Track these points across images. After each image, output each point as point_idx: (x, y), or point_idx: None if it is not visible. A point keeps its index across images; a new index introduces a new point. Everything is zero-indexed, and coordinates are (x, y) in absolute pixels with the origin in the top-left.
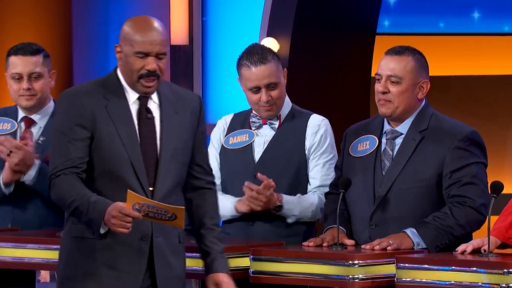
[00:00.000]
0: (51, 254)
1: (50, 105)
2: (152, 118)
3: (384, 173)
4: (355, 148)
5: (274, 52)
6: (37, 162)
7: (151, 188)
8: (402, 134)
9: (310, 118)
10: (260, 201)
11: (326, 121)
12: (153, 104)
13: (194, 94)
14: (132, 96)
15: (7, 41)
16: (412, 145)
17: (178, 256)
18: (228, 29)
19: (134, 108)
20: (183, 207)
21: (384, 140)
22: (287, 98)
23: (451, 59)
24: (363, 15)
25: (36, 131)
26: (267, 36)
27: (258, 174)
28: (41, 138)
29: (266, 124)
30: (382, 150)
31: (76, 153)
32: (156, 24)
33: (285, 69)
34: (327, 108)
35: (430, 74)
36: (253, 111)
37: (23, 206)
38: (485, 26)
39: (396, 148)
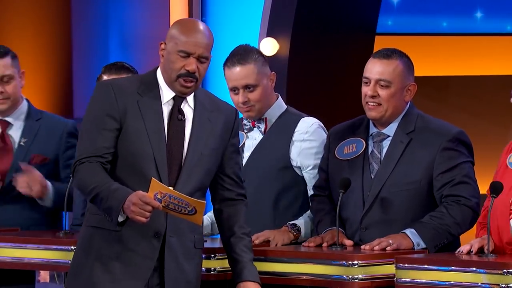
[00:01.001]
0: (51, 254)
1: (24, 104)
2: (183, 120)
3: (373, 176)
4: (341, 150)
5: (259, 55)
6: (49, 186)
7: (171, 188)
8: (389, 136)
9: (300, 122)
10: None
11: (316, 124)
12: (188, 108)
13: (230, 106)
14: (166, 96)
15: (7, 41)
16: (400, 147)
17: (191, 260)
18: (228, 29)
19: (166, 107)
20: (205, 202)
21: (371, 143)
22: (280, 101)
23: (453, 59)
24: (363, 15)
25: (14, 133)
26: (267, 36)
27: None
28: (22, 140)
29: (255, 127)
30: (370, 152)
31: (103, 143)
32: (203, 27)
33: (273, 72)
34: (326, 109)
35: (430, 74)
36: None
37: (8, 206)
38: (488, 26)
39: (384, 150)
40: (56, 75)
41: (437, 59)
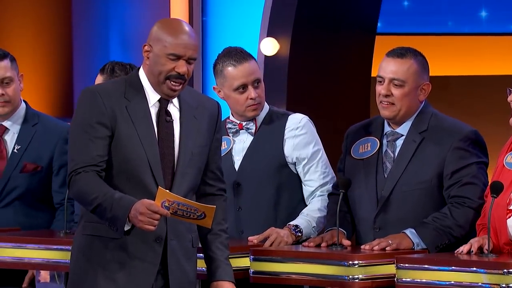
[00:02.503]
0: (51, 254)
1: (22, 107)
2: (171, 121)
3: (386, 175)
4: (356, 150)
5: (250, 53)
6: None
7: (167, 191)
8: (402, 135)
9: (288, 119)
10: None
11: (305, 119)
12: (173, 108)
13: (213, 100)
14: (152, 98)
15: (8, 41)
16: (413, 146)
17: (190, 260)
18: (228, 29)
19: (153, 110)
20: (215, 206)
21: (385, 142)
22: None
23: (454, 59)
24: (364, 15)
25: (9, 138)
26: (267, 36)
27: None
28: (16, 146)
29: (243, 129)
30: (384, 152)
31: (97, 151)
32: (188, 27)
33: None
34: (327, 109)
35: (430, 74)
36: (229, 118)
37: (12, 208)
38: (492, 26)
39: (397, 149)
40: (56, 75)
41: (438, 59)
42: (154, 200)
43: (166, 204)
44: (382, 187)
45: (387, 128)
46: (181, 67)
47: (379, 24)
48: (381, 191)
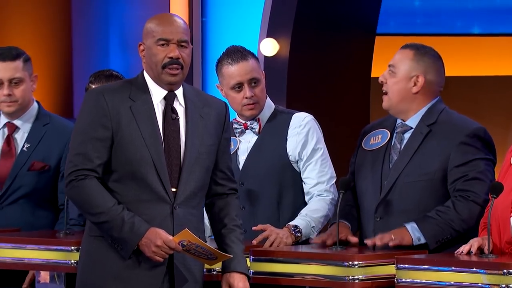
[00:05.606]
0: (51, 255)
1: (34, 107)
2: (177, 118)
3: (391, 166)
4: (368, 141)
5: (253, 53)
6: None
7: (174, 189)
8: (411, 128)
9: (292, 118)
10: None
11: (309, 117)
12: (179, 107)
13: (220, 100)
14: (158, 96)
15: (7, 40)
16: (419, 138)
17: (197, 260)
18: (228, 29)
19: (159, 108)
20: (231, 256)
21: (394, 134)
22: (268, 101)
23: (452, 60)
24: (364, 16)
25: (19, 137)
26: (267, 37)
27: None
28: (26, 145)
29: (248, 129)
30: (392, 144)
31: (95, 153)
32: (177, 17)
33: (263, 71)
34: (326, 109)
35: None
36: (235, 118)
37: (7, 212)
38: (494, 27)
39: (404, 141)
40: (56, 75)
41: None
42: (160, 201)
43: (185, 243)
44: (386, 177)
45: (398, 121)
46: (173, 51)
47: (390, 24)
48: (385, 181)
